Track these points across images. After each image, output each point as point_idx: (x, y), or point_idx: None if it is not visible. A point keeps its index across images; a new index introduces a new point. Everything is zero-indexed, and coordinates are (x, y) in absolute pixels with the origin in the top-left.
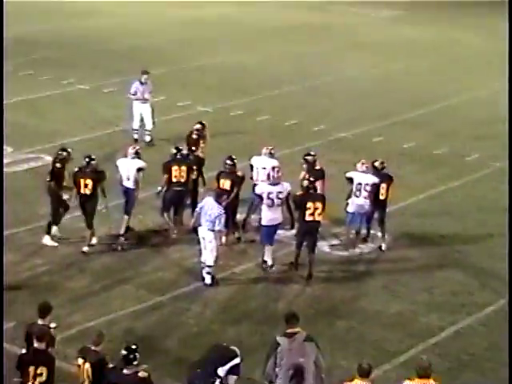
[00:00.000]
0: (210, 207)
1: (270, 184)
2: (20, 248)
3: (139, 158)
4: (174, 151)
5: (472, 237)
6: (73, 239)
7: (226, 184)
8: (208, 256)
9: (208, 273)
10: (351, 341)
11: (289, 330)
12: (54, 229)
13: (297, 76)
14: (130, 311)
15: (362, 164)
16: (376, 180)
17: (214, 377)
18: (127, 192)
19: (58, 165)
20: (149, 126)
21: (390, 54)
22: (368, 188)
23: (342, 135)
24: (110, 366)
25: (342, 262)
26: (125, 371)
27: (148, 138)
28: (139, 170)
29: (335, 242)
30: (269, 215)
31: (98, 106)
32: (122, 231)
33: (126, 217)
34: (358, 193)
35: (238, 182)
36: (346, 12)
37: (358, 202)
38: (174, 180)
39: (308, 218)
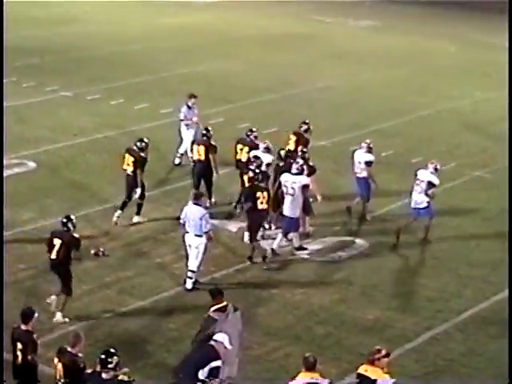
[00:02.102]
0: (192, 212)
1: (292, 174)
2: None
3: None
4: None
5: (449, 244)
6: None
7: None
8: (193, 261)
9: (190, 277)
10: (329, 346)
11: (219, 305)
12: (118, 212)
13: (277, 84)
14: (111, 315)
15: (432, 164)
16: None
17: (195, 381)
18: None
19: (143, 154)
20: (183, 149)
21: (368, 63)
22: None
23: (321, 143)
24: (89, 370)
25: (321, 268)
26: (104, 375)
27: (178, 161)
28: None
29: (314, 247)
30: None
31: (82, 113)
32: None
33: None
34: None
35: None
36: (325, 22)
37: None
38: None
39: (259, 205)
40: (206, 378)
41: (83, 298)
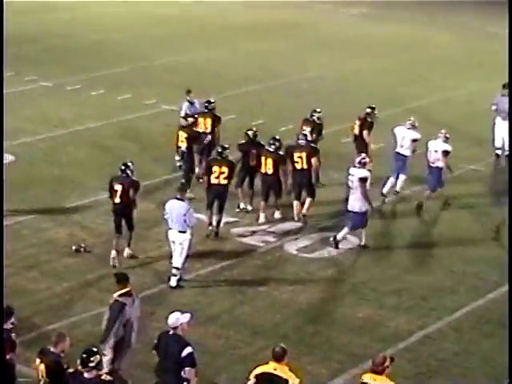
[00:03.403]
0: (175, 208)
1: (355, 167)
2: None
3: None
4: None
5: (443, 239)
6: (35, 240)
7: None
8: (177, 258)
9: (174, 275)
10: (318, 345)
11: (125, 290)
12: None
13: (263, 74)
14: (93, 314)
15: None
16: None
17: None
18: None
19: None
20: None
21: (359, 52)
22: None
23: None
24: (71, 370)
25: (309, 265)
26: (86, 375)
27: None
28: None
29: (302, 244)
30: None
31: (62, 103)
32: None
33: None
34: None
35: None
36: (314, 9)
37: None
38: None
39: (213, 181)
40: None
41: (63, 295)
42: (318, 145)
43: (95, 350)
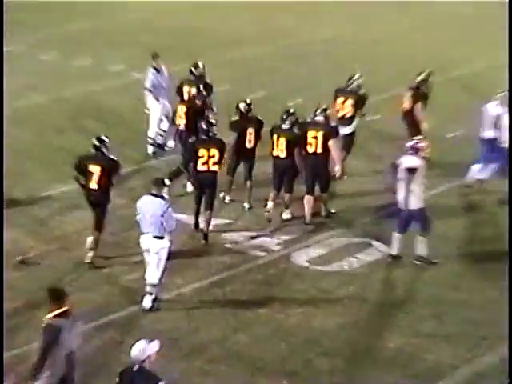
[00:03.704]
0: (150, 207)
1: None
2: None
3: None
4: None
5: (502, 249)
6: None
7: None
8: (153, 272)
9: (149, 293)
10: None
11: (61, 310)
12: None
13: (264, 34)
14: None
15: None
16: None
17: None
18: None
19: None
20: (152, 131)
21: (383, 7)
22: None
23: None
24: None
25: (324, 280)
26: None
27: (151, 149)
28: None
29: (315, 253)
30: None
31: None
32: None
33: None
34: None
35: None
36: None
37: None
38: None
39: (201, 167)
40: None
41: (7, 320)
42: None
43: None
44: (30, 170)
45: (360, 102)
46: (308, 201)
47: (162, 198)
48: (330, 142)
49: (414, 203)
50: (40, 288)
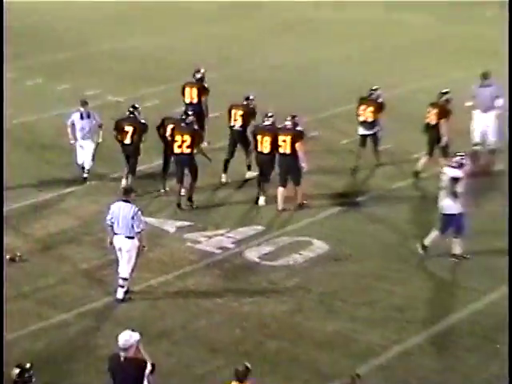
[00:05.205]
0: (120, 211)
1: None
2: None
3: None
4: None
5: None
6: None
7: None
8: (124, 267)
9: (121, 286)
10: (282, 362)
11: None
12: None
13: (218, 61)
14: (31, 330)
15: None
16: None
17: None
18: None
19: (252, 106)
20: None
21: (323, 38)
22: None
23: None
24: None
25: (273, 273)
26: None
27: (86, 175)
28: None
29: (265, 250)
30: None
31: None
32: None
33: None
34: None
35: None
36: None
37: None
38: None
39: (176, 150)
40: None
41: None
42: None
43: (28, 365)
44: (17, 180)
45: (379, 109)
46: (281, 192)
47: (131, 203)
48: (297, 144)
49: (455, 208)
50: (27, 282)
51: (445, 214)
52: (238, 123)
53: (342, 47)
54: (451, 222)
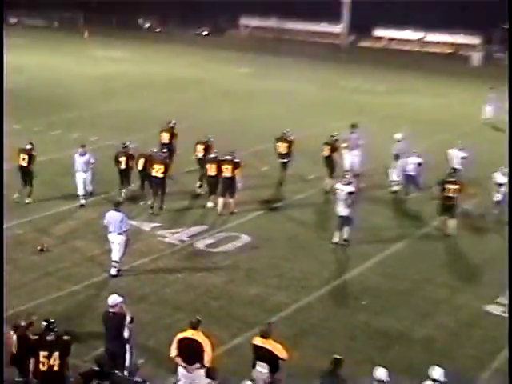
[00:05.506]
0: (113, 217)
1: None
2: None
3: None
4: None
5: (311, 235)
6: (9, 240)
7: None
8: (116, 254)
9: (114, 266)
10: (221, 316)
11: None
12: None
13: (177, 117)
14: (52, 298)
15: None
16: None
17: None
18: None
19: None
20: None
21: (247, 101)
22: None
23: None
24: (35, 337)
25: (214, 257)
26: (48, 338)
27: (83, 201)
28: None
29: (209, 241)
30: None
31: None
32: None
33: None
34: None
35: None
36: (215, 69)
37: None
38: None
39: (153, 174)
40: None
41: (30, 284)
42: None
43: (52, 320)
44: (44, 196)
45: (290, 145)
46: (221, 202)
47: (120, 211)
48: (236, 170)
49: (348, 212)
50: (50, 265)
51: (341, 216)
52: (200, 154)
53: (263, 107)
54: (345, 222)
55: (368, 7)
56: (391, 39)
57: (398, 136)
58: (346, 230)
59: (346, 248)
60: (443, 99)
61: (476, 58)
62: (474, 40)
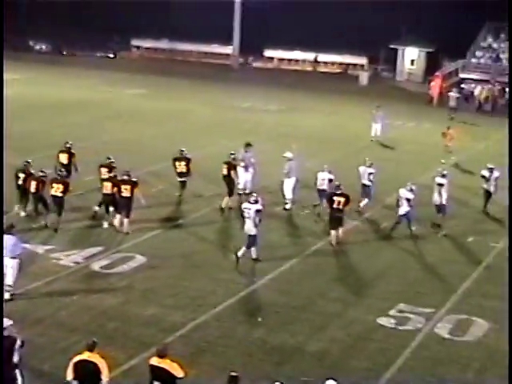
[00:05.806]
0: (7, 241)
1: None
2: None
3: None
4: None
5: (206, 254)
6: None
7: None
8: (9, 277)
9: (7, 291)
10: (117, 337)
11: None
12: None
13: (69, 139)
14: None
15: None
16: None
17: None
18: None
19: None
20: None
21: (140, 121)
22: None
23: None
24: None
25: (110, 278)
26: None
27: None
28: None
29: (104, 263)
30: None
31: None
32: None
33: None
34: None
35: None
36: (108, 91)
37: None
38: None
39: (53, 193)
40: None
41: None
42: None
43: None
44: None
45: (188, 163)
46: (119, 219)
47: (13, 234)
48: (135, 190)
49: (255, 231)
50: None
51: (249, 235)
52: (105, 176)
53: (157, 128)
54: (252, 240)
55: (258, 29)
56: (281, 59)
57: (289, 155)
58: (253, 250)
59: (243, 265)
60: (335, 117)
61: (364, 77)
62: (362, 60)
